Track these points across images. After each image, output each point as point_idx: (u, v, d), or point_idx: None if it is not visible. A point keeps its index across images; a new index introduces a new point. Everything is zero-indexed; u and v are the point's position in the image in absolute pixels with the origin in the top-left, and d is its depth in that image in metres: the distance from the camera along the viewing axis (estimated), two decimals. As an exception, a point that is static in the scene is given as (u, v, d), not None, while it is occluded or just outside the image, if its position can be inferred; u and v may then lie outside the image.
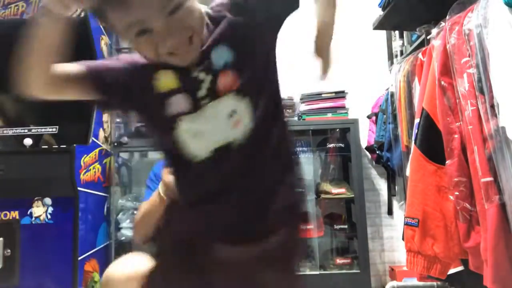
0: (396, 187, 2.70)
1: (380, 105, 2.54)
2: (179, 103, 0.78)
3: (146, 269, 1.01)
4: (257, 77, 0.81)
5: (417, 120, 1.54)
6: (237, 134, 0.78)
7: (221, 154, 0.78)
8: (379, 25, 2.32)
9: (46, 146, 2.03)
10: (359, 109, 2.82)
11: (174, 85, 0.78)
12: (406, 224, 1.49)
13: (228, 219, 0.81)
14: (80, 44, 2.33)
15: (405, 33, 2.58)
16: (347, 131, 2.69)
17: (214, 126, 0.78)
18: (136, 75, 0.80)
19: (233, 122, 0.78)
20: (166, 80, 0.78)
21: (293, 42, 3.07)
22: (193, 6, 0.72)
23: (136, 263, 1.09)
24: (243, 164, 0.80)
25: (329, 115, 2.72)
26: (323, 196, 2.66)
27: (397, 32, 2.71)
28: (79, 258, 1.95)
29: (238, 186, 0.80)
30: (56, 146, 2.03)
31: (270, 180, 0.83)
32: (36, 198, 1.95)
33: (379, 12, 2.24)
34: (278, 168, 0.84)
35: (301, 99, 2.75)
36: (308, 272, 2.54)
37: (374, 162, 2.82)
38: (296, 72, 3.00)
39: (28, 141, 1.98)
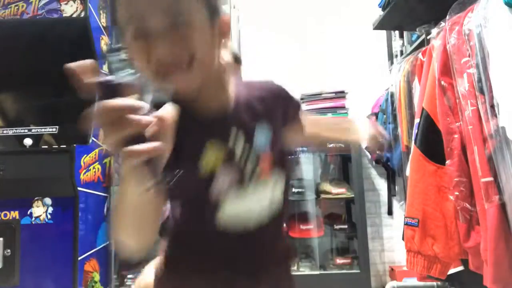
0: (396, 187, 2.70)
1: (380, 105, 2.54)
2: (224, 181, 0.74)
3: None
4: (282, 164, 0.82)
5: (417, 120, 1.54)
6: (265, 216, 0.80)
7: (248, 232, 0.79)
8: (379, 25, 2.32)
9: (46, 146, 2.03)
10: (359, 109, 2.82)
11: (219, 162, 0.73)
12: (406, 224, 1.49)
13: None
14: (80, 44, 2.34)
15: (405, 33, 2.58)
16: (347, 131, 2.69)
17: (256, 209, 0.78)
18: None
19: (269, 206, 0.80)
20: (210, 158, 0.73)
21: (293, 42, 3.07)
22: (207, 38, 0.65)
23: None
24: (257, 242, 0.81)
25: (329, 115, 2.72)
26: (323, 196, 2.67)
27: (397, 32, 2.71)
28: (79, 258, 1.95)
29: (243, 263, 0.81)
30: (56, 146, 2.03)
31: (270, 258, 0.86)
32: (36, 198, 1.95)
33: (379, 12, 2.24)
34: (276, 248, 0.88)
35: (301, 99, 2.75)
36: (308, 272, 2.54)
37: (374, 162, 2.82)
38: (296, 72, 3.01)
39: (28, 141, 1.98)
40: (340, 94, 2.75)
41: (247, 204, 0.78)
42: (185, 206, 0.80)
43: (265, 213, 0.80)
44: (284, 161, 0.84)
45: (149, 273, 1.13)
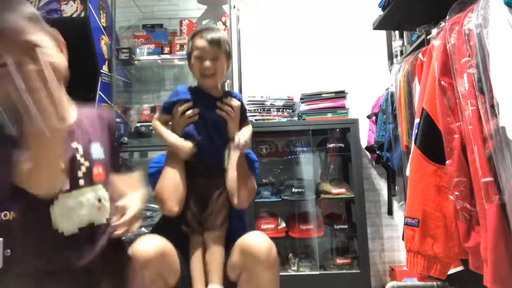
0: (396, 187, 2.70)
1: (380, 105, 2.54)
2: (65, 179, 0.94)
3: (170, 248, 1.23)
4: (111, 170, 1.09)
5: (417, 120, 1.54)
6: (99, 217, 1.01)
7: (85, 233, 0.97)
8: (379, 25, 2.32)
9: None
10: (359, 109, 2.82)
11: None
12: (406, 224, 1.49)
13: None
14: (80, 44, 2.34)
15: (405, 33, 2.59)
16: (347, 131, 2.69)
17: (84, 208, 0.98)
18: None
19: (97, 207, 1.00)
20: None
21: (293, 42, 3.07)
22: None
23: (157, 242, 1.16)
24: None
25: (329, 115, 2.72)
26: (323, 196, 2.67)
27: (397, 32, 2.71)
28: (79, 258, 1.94)
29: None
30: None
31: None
32: (36, 198, 1.95)
33: (379, 12, 2.24)
34: None
35: (301, 99, 2.76)
36: (308, 272, 2.54)
37: (374, 162, 2.82)
38: (296, 72, 3.01)
39: (28, 141, 1.98)
40: (340, 94, 2.75)
41: (77, 202, 0.96)
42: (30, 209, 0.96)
43: (96, 215, 1.00)
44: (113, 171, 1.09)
45: (146, 242, 1.22)
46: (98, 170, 1.02)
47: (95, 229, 1.00)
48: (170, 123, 1.39)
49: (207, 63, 1.32)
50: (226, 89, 2.58)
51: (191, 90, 1.38)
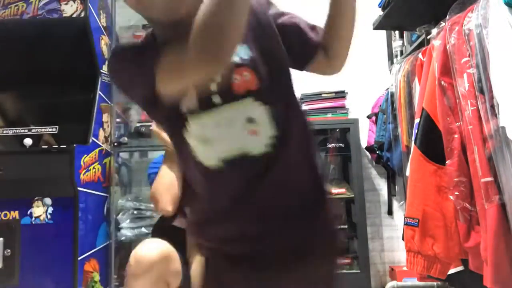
0: (396, 187, 2.69)
1: (380, 105, 2.54)
2: (187, 98, 0.67)
3: (172, 251, 1.15)
4: (278, 81, 0.72)
5: (417, 120, 1.53)
6: (254, 143, 0.69)
7: (235, 165, 0.69)
8: (379, 25, 2.32)
9: (46, 146, 2.03)
10: (359, 109, 2.82)
11: None
12: (406, 224, 1.49)
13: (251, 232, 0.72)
14: (80, 44, 2.35)
15: (405, 33, 2.58)
16: (347, 131, 2.69)
17: (227, 133, 0.69)
18: None
19: (250, 131, 0.69)
20: None
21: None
22: None
23: (161, 245, 1.15)
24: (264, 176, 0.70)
25: (329, 115, 2.72)
26: (323, 196, 2.66)
27: (397, 32, 2.71)
28: (79, 258, 1.95)
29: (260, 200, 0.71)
30: (56, 146, 2.02)
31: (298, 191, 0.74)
32: (36, 198, 1.95)
33: (379, 12, 2.24)
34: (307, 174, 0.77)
35: (301, 99, 2.75)
36: (308, 272, 2.54)
37: (374, 162, 2.82)
38: (296, 72, 3.00)
39: (28, 141, 1.98)
40: (340, 94, 2.75)
41: (216, 125, 0.68)
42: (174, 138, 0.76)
43: (255, 141, 0.68)
44: (286, 82, 0.75)
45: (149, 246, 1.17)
46: (242, 77, 0.69)
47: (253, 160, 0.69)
48: None
49: None
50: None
51: None
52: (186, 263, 1.29)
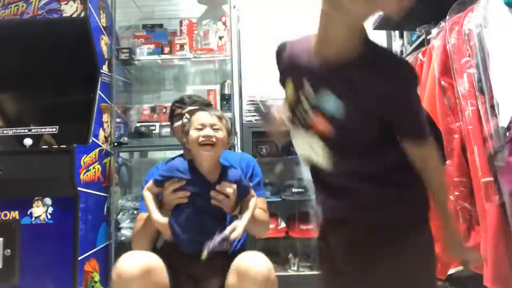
0: (396, 187, 2.69)
1: (380, 105, 2.53)
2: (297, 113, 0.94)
3: (156, 263, 1.16)
4: (347, 143, 0.89)
5: (417, 120, 1.53)
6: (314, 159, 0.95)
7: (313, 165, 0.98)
8: (379, 25, 2.32)
9: (46, 146, 2.03)
10: (359, 109, 2.81)
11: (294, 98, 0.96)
12: (406, 224, 1.49)
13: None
14: (80, 44, 2.34)
15: (405, 33, 2.58)
16: (347, 131, 2.69)
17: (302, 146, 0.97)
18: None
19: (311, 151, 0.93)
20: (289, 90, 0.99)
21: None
22: None
23: (143, 258, 1.14)
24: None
25: (329, 115, 2.72)
26: (323, 196, 2.66)
27: (397, 32, 2.71)
28: (79, 258, 1.95)
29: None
30: (56, 146, 2.03)
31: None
32: (36, 198, 1.95)
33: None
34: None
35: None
36: (308, 272, 2.54)
37: (374, 162, 2.81)
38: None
39: (28, 141, 1.98)
40: (340, 94, 2.74)
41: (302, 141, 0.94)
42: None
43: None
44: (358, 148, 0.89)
45: (131, 260, 1.17)
46: (319, 121, 0.89)
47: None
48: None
49: (208, 130, 1.26)
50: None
51: (189, 165, 1.29)
52: (176, 277, 1.24)
